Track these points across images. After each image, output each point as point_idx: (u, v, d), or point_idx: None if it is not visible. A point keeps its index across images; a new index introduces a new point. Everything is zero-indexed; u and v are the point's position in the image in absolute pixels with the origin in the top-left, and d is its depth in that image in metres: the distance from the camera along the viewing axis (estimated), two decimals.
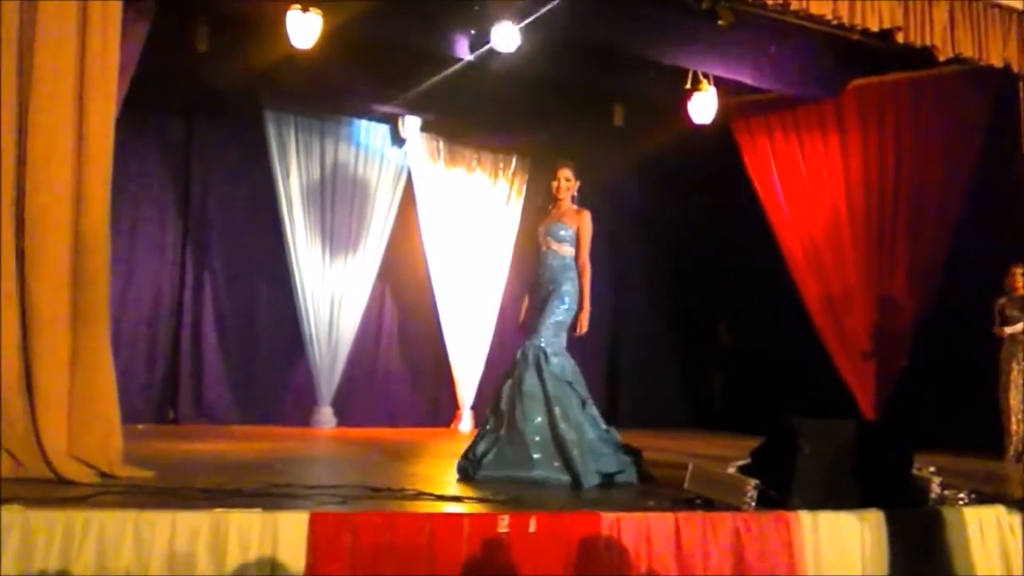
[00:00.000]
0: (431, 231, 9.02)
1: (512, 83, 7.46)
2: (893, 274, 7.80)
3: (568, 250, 5.26)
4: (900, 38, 6.04)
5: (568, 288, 5.21)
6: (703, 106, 7.63)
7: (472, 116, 8.57)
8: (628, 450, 5.24)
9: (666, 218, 10.28)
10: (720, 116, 7.84)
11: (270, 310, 8.69)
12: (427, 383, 9.34)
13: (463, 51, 6.89)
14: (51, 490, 3.86)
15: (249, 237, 8.65)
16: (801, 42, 6.97)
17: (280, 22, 6.31)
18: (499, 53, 6.68)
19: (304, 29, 6.33)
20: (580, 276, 5.26)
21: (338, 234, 8.69)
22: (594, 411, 5.17)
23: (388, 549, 3.44)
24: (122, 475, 4.35)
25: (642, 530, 3.74)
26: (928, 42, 6.07)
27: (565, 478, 4.88)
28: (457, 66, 7.10)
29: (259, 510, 3.42)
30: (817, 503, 4.06)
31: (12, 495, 3.52)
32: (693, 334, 10.58)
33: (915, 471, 4.51)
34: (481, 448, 5.04)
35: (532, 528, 3.62)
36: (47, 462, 4.20)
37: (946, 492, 4.48)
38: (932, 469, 4.53)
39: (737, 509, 3.98)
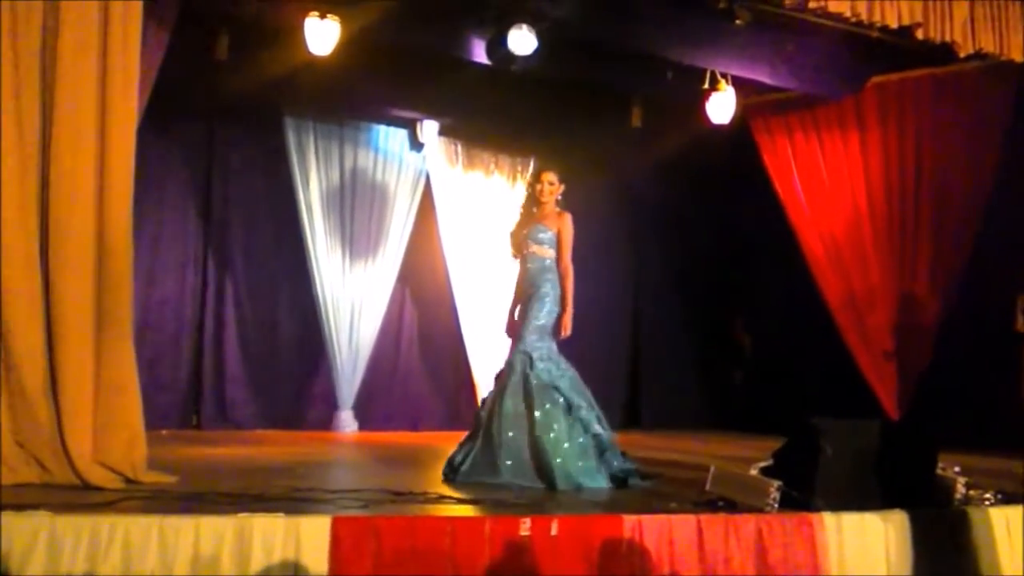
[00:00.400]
0: (450, 234, 9.04)
1: (529, 85, 7.46)
2: (915, 272, 7.73)
3: (548, 252, 5.23)
4: (920, 34, 5.99)
5: (547, 290, 5.17)
6: (721, 106, 7.60)
7: (490, 119, 8.58)
8: (622, 457, 5.16)
9: (685, 218, 10.25)
10: (739, 115, 7.81)
11: (291, 315, 8.74)
12: (448, 386, 9.36)
13: (480, 55, 6.90)
14: (77, 496, 3.90)
15: (270, 242, 8.71)
16: (819, 40, 6.92)
17: (298, 29, 6.34)
18: (516, 56, 6.68)
19: (322, 36, 6.36)
20: (563, 279, 5.21)
21: (358, 239, 8.73)
22: (583, 415, 5.04)
23: (410, 552, 3.45)
24: (146, 480, 4.39)
25: (664, 532, 3.73)
26: (948, 38, 6.02)
27: (535, 485, 4.80)
28: (475, 70, 7.11)
29: (282, 514, 3.44)
30: (840, 504, 4.03)
31: (39, 501, 3.57)
32: (714, 334, 10.53)
33: (940, 471, 4.46)
34: (459, 456, 5.05)
35: (554, 531, 3.62)
36: (73, 468, 4.24)
37: (971, 492, 4.41)
38: (957, 469, 4.48)
39: (760, 511, 3.96)
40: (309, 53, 6.42)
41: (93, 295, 4.40)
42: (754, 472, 4.23)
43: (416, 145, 8.97)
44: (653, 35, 6.82)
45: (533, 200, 5.35)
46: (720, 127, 7.75)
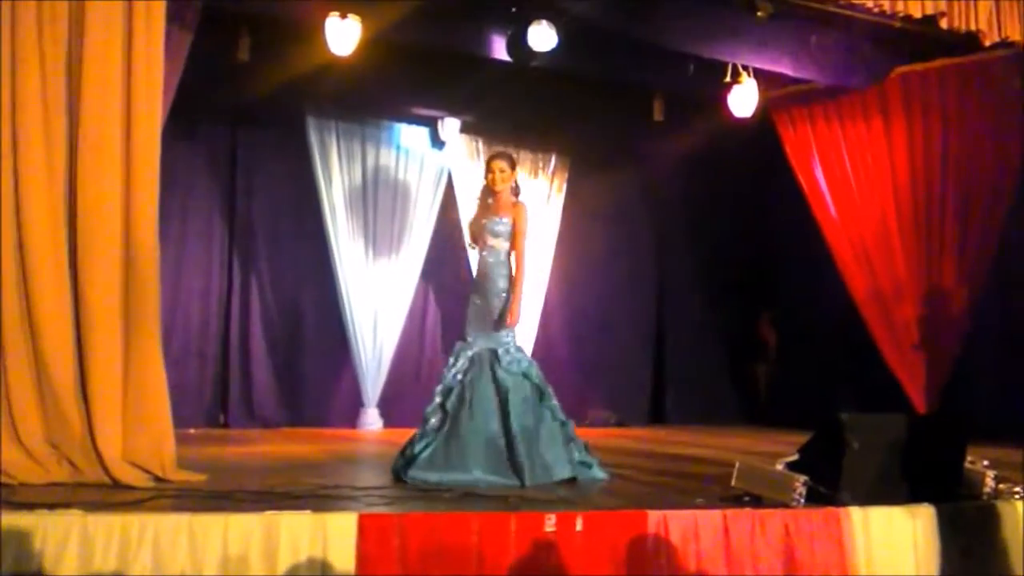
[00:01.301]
0: None
1: (550, 81, 7.46)
2: (942, 264, 7.66)
3: (503, 244, 5.11)
4: (944, 24, 5.94)
5: (504, 285, 5.07)
6: (743, 99, 7.56)
7: (511, 116, 8.59)
8: (584, 450, 5.09)
9: (709, 213, 10.21)
10: (762, 108, 7.76)
11: (315, 313, 8.80)
12: None
13: (501, 52, 6.91)
14: (108, 495, 3.95)
15: (293, 241, 8.78)
16: (842, 31, 6.88)
17: (319, 29, 6.38)
18: (536, 52, 6.68)
19: (343, 36, 6.39)
20: (515, 267, 5.08)
21: (381, 236, 8.77)
22: (553, 403, 5.02)
23: (436, 549, 3.47)
24: (175, 479, 4.43)
25: (690, 528, 3.72)
26: (973, 27, 5.96)
27: (506, 481, 4.72)
28: (495, 67, 7.12)
29: (309, 512, 3.47)
30: (867, 499, 4.00)
31: (71, 500, 3.62)
32: (739, 329, 10.48)
33: (968, 465, 4.42)
34: (419, 446, 4.92)
35: (579, 527, 3.62)
36: (103, 467, 4.29)
37: (1000, 486, 4.37)
38: (986, 463, 4.43)
39: (786, 506, 3.95)
40: (330, 53, 6.45)
41: (121, 297, 4.45)
42: (780, 467, 4.20)
43: (438, 142, 8.99)
44: (674, 29, 6.80)
45: (487, 190, 5.20)
46: (743, 120, 7.70)
